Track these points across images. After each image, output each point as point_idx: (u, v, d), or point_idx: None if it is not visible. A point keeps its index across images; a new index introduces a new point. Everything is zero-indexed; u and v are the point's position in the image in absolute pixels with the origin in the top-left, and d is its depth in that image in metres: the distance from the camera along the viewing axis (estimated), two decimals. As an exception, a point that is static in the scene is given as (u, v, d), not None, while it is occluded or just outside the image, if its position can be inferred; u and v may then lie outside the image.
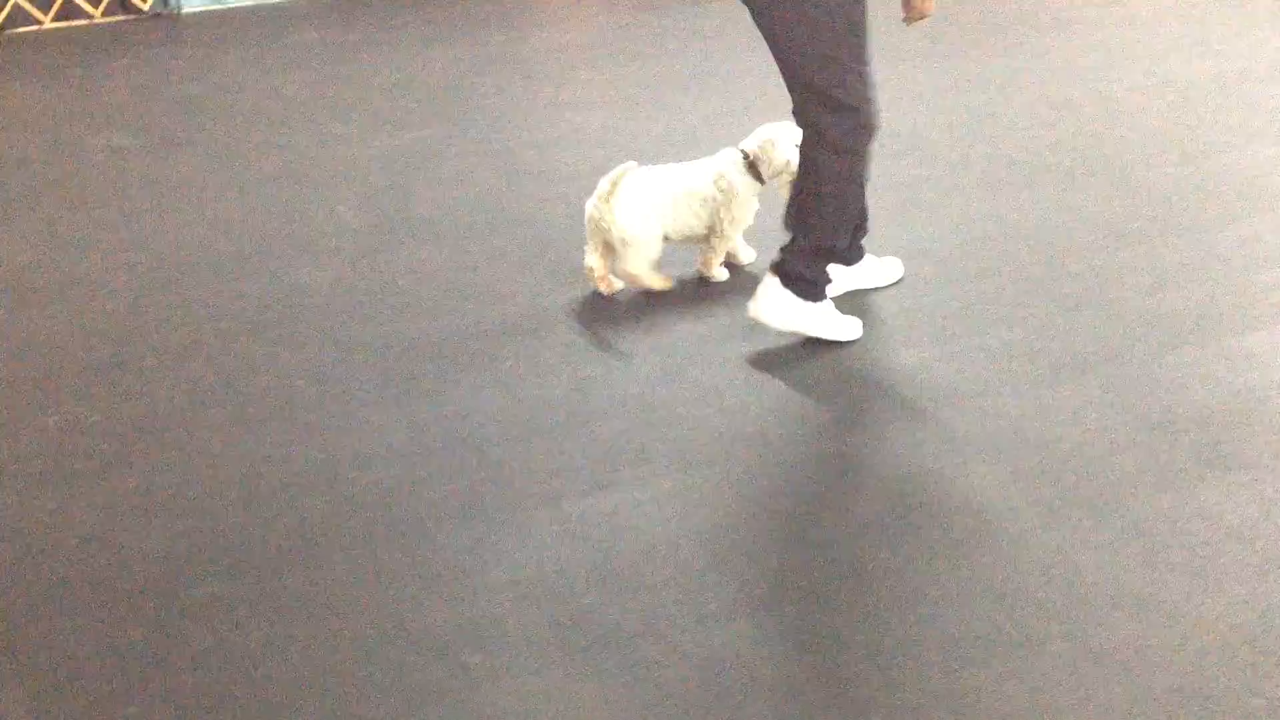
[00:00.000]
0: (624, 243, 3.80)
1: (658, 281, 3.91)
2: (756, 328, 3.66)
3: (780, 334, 3.65)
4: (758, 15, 3.38)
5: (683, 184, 3.86)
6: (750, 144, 3.93)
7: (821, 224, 3.54)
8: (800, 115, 3.47)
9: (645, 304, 3.93)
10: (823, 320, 3.65)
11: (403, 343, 3.77)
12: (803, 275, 3.58)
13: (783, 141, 3.87)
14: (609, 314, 3.89)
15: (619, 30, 7.73)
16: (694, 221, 3.90)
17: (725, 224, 3.92)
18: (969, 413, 3.27)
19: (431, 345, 3.75)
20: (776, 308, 3.61)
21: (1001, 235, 4.32)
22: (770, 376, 3.50)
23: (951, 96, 5.93)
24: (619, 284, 3.94)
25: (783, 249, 3.59)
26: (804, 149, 3.49)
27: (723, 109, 5.81)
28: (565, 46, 7.41)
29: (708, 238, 3.95)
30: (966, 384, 3.41)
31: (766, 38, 3.41)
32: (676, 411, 3.34)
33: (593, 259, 3.90)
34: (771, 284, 3.60)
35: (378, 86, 6.66)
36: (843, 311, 3.70)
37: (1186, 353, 3.50)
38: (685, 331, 3.76)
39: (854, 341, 3.66)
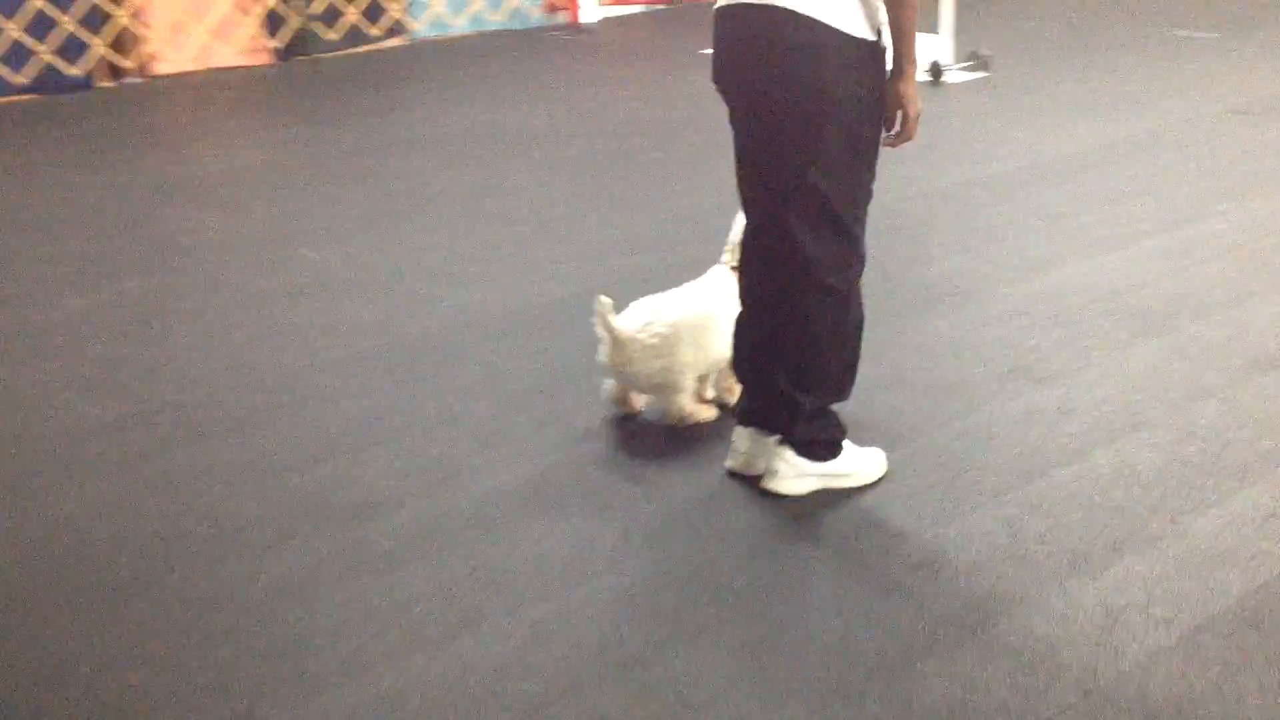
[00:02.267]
0: (650, 387, 3.58)
1: (706, 413, 3.65)
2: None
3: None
4: (767, 107, 2.97)
5: (697, 308, 3.54)
6: (729, 257, 3.60)
7: (824, 378, 3.17)
8: (778, 245, 3.06)
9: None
10: (848, 467, 3.27)
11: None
12: (817, 439, 3.22)
13: None
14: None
15: (297, 150, 7.17)
16: (717, 352, 3.57)
17: None
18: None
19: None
20: (797, 480, 3.24)
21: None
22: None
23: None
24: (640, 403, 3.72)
25: (788, 416, 3.19)
26: (787, 293, 3.09)
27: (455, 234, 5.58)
28: (243, 169, 6.82)
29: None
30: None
31: (764, 141, 3.02)
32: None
33: (614, 396, 3.73)
34: (783, 455, 3.22)
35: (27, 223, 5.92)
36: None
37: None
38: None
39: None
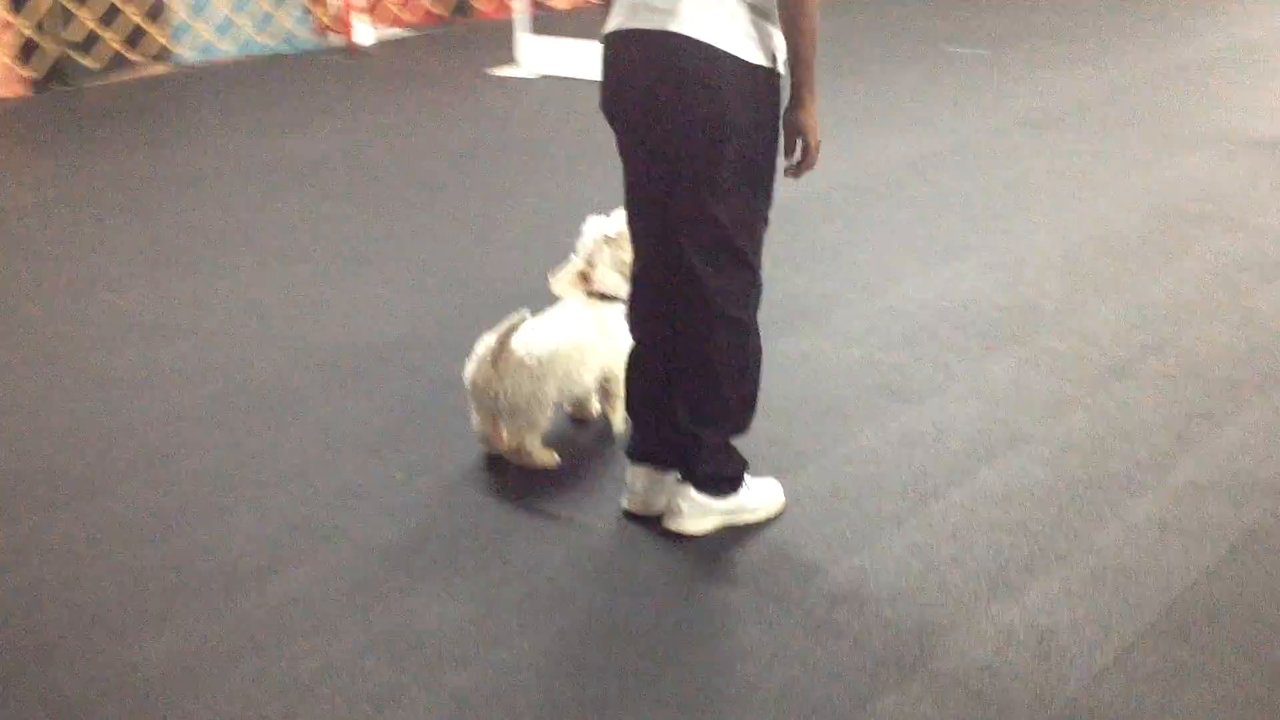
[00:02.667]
0: (514, 411, 3.35)
1: (547, 457, 3.45)
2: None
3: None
4: (663, 136, 2.87)
5: (570, 336, 3.40)
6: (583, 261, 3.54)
7: (725, 412, 3.05)
8: (674, 277, 2.97)
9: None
10: (751, 501, 3.16)
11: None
12: (720, 474, 3.10)
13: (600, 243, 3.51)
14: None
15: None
16: (588, 377, 3.48)
17: (618, 367, 3.43)
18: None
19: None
20: (701, 518, 3.10)
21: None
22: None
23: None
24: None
25: (689, 453, 3.06)
26: (687, 327, 2.99)
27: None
28: (13, 209, 6.15)
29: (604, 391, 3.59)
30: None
31: (661, 171, 2.91)
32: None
33: (482, 425, 3.45)
34: (685, 493, 3.08)
35: None
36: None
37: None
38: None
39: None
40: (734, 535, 3.12)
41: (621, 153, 3.02)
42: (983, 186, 5.96)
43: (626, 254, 3.29)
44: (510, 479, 3.41)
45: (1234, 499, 3.26)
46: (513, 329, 3.27)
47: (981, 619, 2.79)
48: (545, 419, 3.38)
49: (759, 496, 3.19)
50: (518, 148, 6.86)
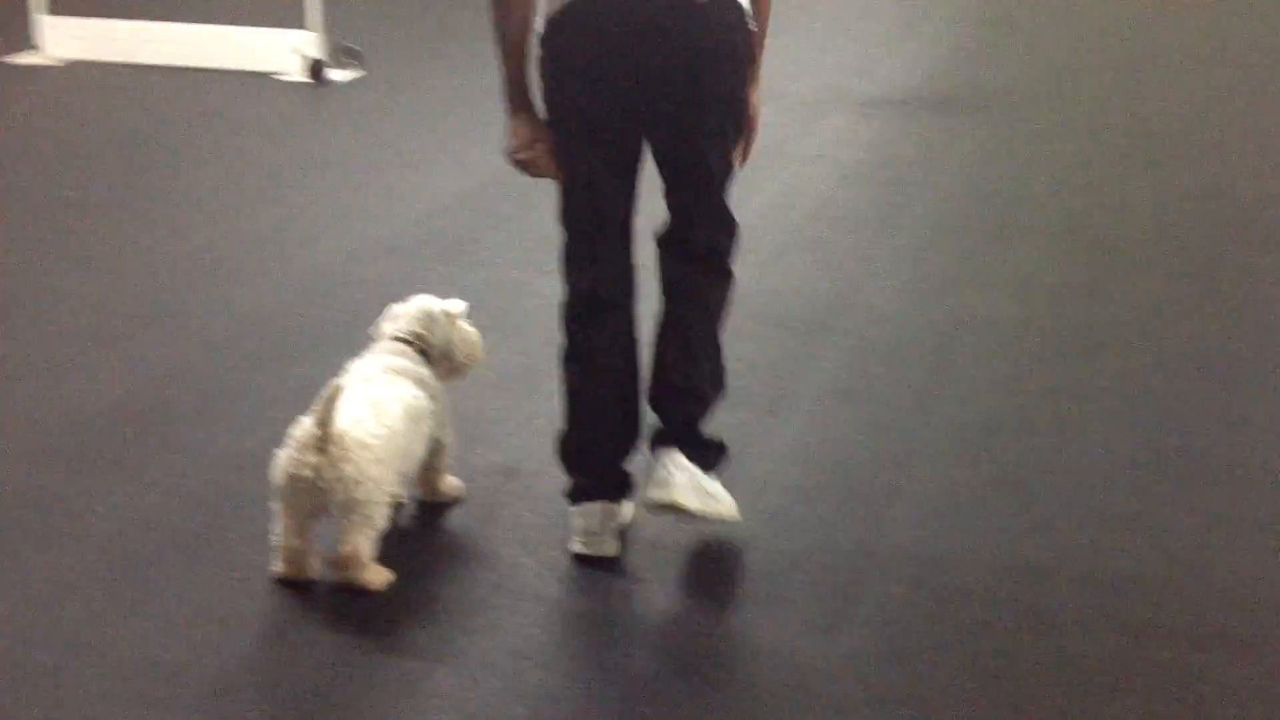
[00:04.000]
0: (351, 505, 2.61)
1: (380, 576, 2.70)
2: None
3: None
4: (701, 109, 2.67)
5: (400, 403, 2.75)
6: (403, 327, 2.93)
7: (722, 366, 2.90)
8: (693, 243, 2.81)
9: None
10: (721, 489, 2.87)
11: None
12: (716, 440, 2.89)
13: (439, 312, 2.96)
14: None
15: None
16: (422, 449, 2.86)
17: (444, 433, 2.93)
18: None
19: None
20: (699, 488, 2.77)
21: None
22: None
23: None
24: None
25: (685, 418, 2.83)
26: (701, 285, 2.83)
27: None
28: None
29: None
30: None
31: (694, 141, 2.71)
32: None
33: (291, 536, 2.67)
34: (680, 462, 2.76)
35: None
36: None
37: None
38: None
39: None
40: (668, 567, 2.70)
41: (622, 121, 2.69)
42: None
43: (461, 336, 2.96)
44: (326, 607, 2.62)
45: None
46: (332, 403, 2.56)
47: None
48: (386, 516, 2.67)
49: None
50: (59, 153, 5.66)
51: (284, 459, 2.61)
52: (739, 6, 2.64)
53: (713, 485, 2.82)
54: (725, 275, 2.86)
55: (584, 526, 2.80)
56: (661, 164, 2.76)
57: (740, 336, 3.26)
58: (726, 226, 2.82)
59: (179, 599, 2.67)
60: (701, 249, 2.80)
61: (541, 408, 3.28)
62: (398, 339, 2.89)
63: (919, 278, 4.35)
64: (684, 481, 2.74)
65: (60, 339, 3.85)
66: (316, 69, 6.77)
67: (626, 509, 2.88)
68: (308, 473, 2.57)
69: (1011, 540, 2.90)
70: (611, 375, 2.82)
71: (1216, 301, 4.18)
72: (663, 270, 2.83)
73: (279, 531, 2.67)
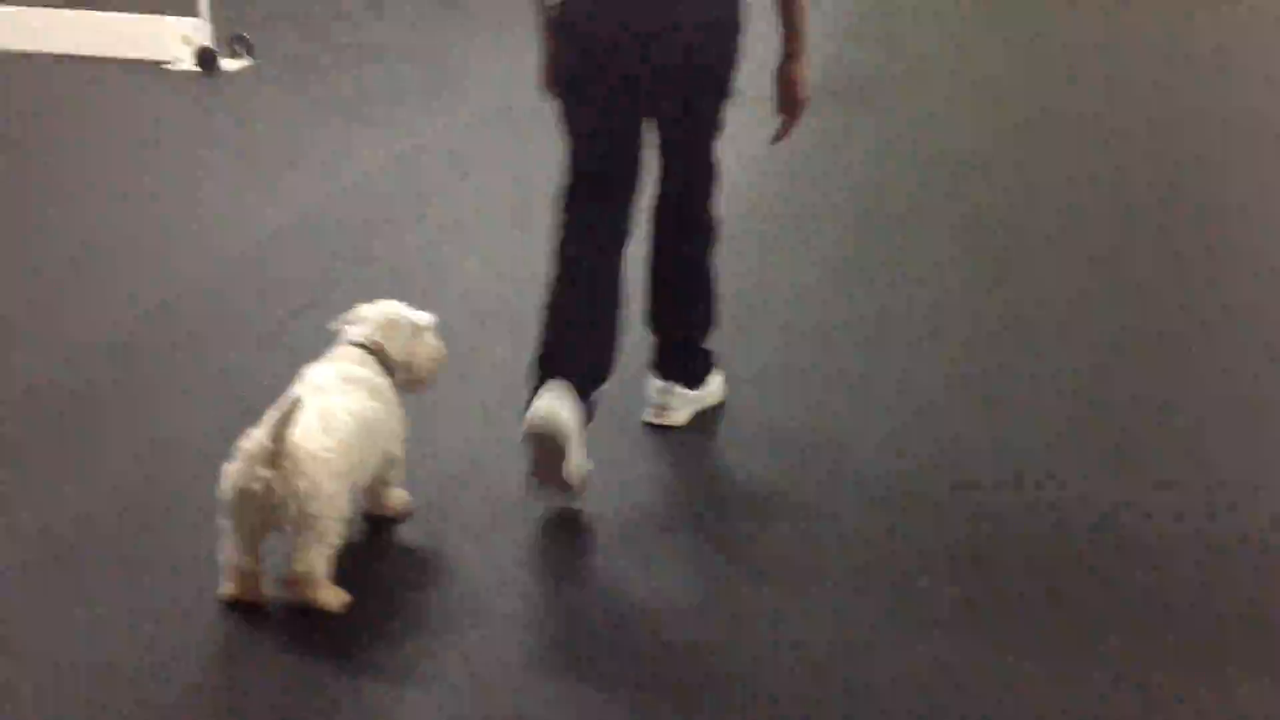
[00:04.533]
0: (305, 520, 2.51)
1: (336, 597, 2.60)
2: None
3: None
4: (691, 71, 2.93)
5: (353, 415, 2.65)
6: (365, 332, 2.83)
7: (716, 303, 3.31)
8: (686, 194, 3.13)
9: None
10: (712, 384, 3.42)
11: None
12: (706, 367, 3.38)
13: (404, 321, 2.88)
14: None
15: None
16: (375, 462, 2.77)
17: (396, 446, 2.84)
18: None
19: None
20: (685, 409, 3.34)
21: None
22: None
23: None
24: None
25: (689, 351, 3.31)
26: (701, 235, 3.19)
27: None
28: None
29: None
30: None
31: (684, 96, 2.97)
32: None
33: (241, 555, 2.56)
34: (673, 391, 3.30)
35: None
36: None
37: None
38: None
39: None
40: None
41: (588, 88, 2.94)
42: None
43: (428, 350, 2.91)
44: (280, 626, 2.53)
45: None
46: (289, 416, 2.44)
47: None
48: (341, 533, 2.58)
49: (714, 379, 3.40)
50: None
51: (233, 473, 2.48)
52: None
53: (703, 394, 3.36)
54: (711, 224, 3.19)
55: (540, 409, 2.86)
56: (657, 127, 3.03)
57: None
58: (711, 179, 3.14)
59: (116, 601, 2.60)
60: (687, 204, 3.14)
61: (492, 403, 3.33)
62: (359, 345, 2.80)
63: (834, 268, 4.41)
64: (678, 403, 3.30)
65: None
66: (206, 57, 6.59)
67: (581, 454, 2.92)
68: (258, 487, 2.45)
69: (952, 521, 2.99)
70: (598, 288, 3.02)
71: (1126, 283, 4.34)
72: (656, 231, 3.16)
73: (227, 550, 2.54)
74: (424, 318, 2.91)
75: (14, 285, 4.11)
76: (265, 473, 2.44)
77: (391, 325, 2.84)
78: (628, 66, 2.88)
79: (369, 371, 2.77)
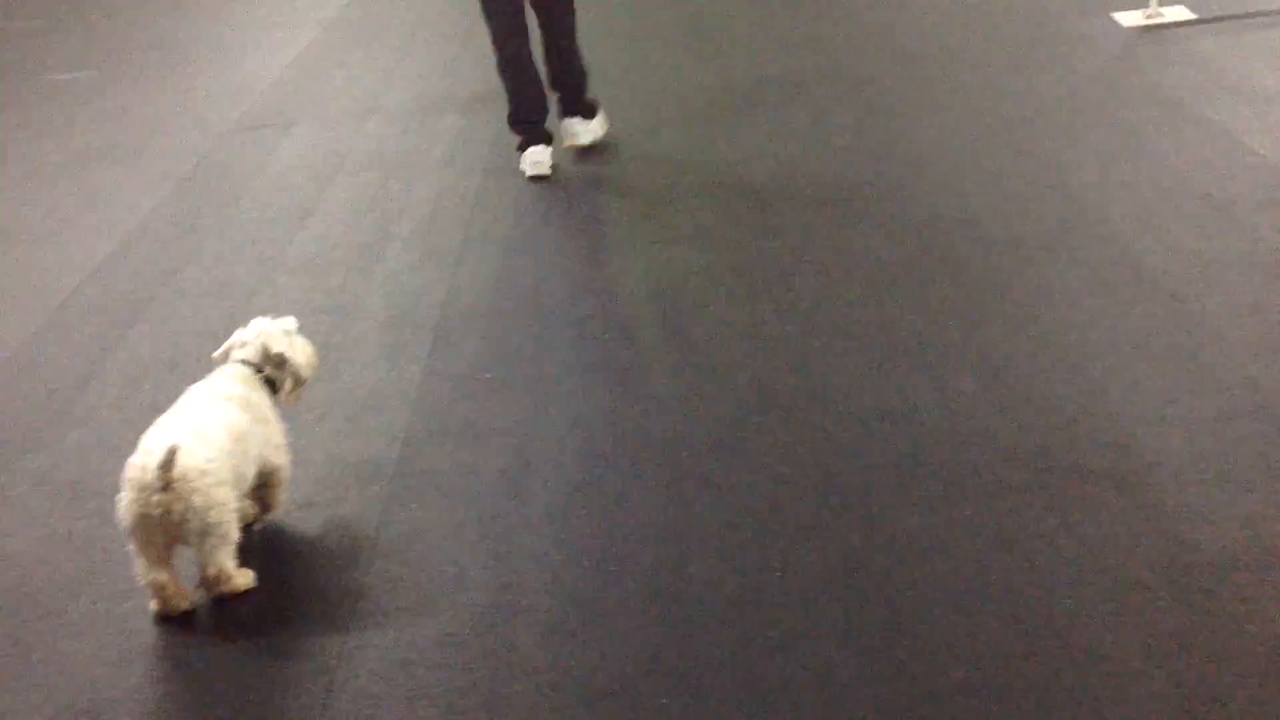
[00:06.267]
0: (207, 530, 2.72)
1: (246, 578, 2.85)
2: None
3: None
4: None
5: (222, 426, 2.83)
6: (250, 353, 3.05)
7: (583, 61, 5.25)
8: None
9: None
10: (601, 117, 5.41)
11: None
12: (595, 104, 5.34)
13: (281, 337, 3.09)
14: None
15: None
16: (253, 470, 2.94)
17: (280, 461, 3.02)
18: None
19: None
20: (590, 134, 5.31)
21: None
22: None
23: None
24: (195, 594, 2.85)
25: (578, 99, 5.24)
26: (567, 16, 5.07)
27: None
28: None
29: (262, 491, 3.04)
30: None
31: None
32: None
33: (155, 572, 2.75)
34: (576, 122, 5.28)
35: None
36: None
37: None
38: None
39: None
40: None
41: None
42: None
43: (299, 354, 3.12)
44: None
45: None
46: (174, 455, 2.64)
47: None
48: (236, 528, 2.81)
49: (601, 115, 5.39)
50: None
51: (127, 502, 2.67)
52: None
53: (595, 124, 5.32)
54: (572, 8, 5.09)
55: (532, 159, 5.06)
56: None
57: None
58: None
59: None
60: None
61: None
62: (245, 362, 3.01)
63: (595, 246, 4.56)
64: (581, 129, 5.28)
65: None
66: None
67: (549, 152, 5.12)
68: (156, 510, 2.65)
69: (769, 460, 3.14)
70: (523, 70, 5.01)
71: (866, 221, 4.45)
72: (538, 12, 5.05)
73: (141, 570, 2.73)
74: (290, 323, 3.10)
75: None
76: (158, 497, 2.64)
77: (270, 338, 3.04)
78: None
79: (245, 388, 2.96)
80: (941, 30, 6.35)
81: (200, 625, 2.79)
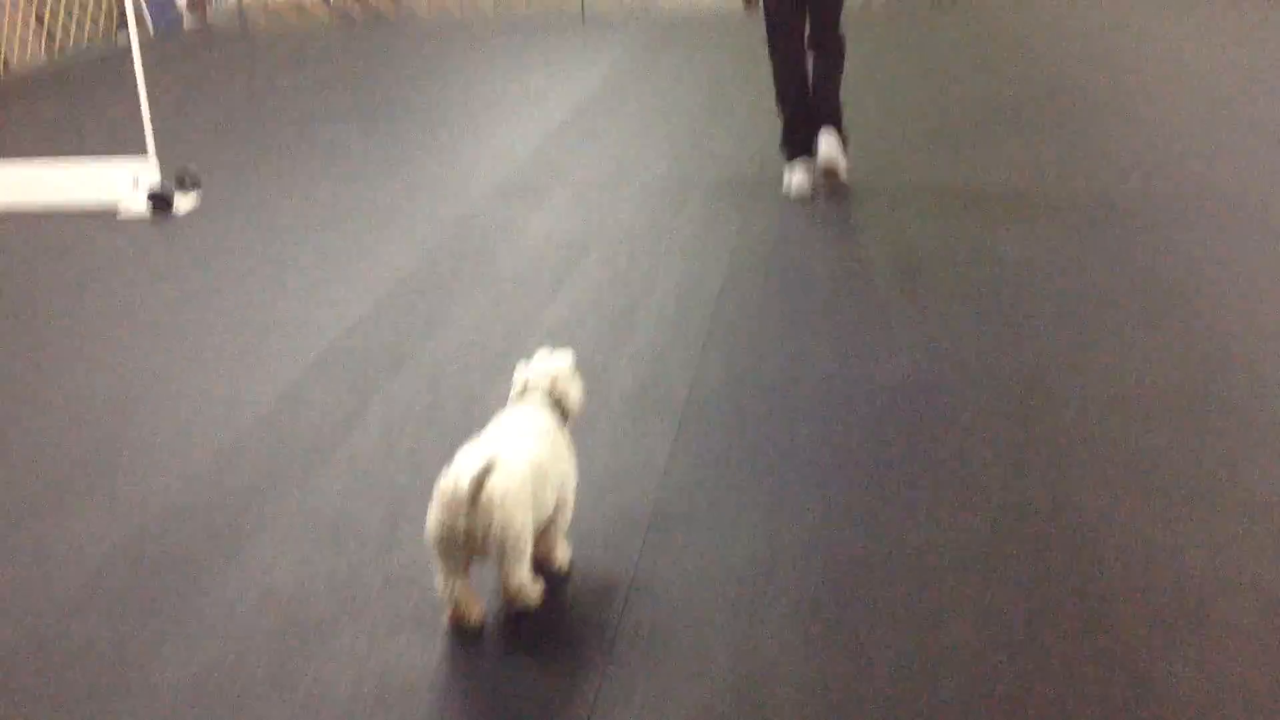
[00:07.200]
0: (504, 547, 2.92)
1: (538, 591, 3.05)
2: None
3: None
4: None
5: (533, 456, 3.01)
6: (547, 385, 3.22)
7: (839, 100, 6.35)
8: (829, 31, 6.13)
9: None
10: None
11: None
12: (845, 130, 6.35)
13: (568, 374, 3.27)
14: None
15: None
16: (551, 500, 3.09)
17: (567, 490, 3.17)
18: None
19: None
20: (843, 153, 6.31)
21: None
22: None
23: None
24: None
25: (836, 125, 6.27)
26: (836, 54, 6.21)
27: None
28: None
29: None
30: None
31: None
32: None
33: (453, 583, 2.96)
34: (836, 141, 6.24)
35: None
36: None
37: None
38: None
39: None
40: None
41: None
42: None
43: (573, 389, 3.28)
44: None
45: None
46: (485, 475, 2.84)
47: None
48: (530, 545, 2.98)
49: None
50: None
51: (434, 519, 2.88)
52: None
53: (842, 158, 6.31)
54: (842, 53, 6.19)
55: (796, 182, 6.27)
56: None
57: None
58: (839, 33, 6.17)
59: None
60: (829, 43, 6.16)
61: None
62: (540, 393, 3.19)
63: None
64: (836, 153, 6.24)
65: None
66: (163, 199, 6.51)
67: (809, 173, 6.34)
68: (461, 529, 2.85)
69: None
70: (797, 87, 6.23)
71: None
72: (814, 58, 6.21)
73: (441, 580, 2.93)
74: (568, 356, 3.26)
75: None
76: (466, 515, 2.84)
77: (561, 373, 3.22)
78: None
79: (546, 421, 3.13)
80: None
81: (458, 669, 2.87)
